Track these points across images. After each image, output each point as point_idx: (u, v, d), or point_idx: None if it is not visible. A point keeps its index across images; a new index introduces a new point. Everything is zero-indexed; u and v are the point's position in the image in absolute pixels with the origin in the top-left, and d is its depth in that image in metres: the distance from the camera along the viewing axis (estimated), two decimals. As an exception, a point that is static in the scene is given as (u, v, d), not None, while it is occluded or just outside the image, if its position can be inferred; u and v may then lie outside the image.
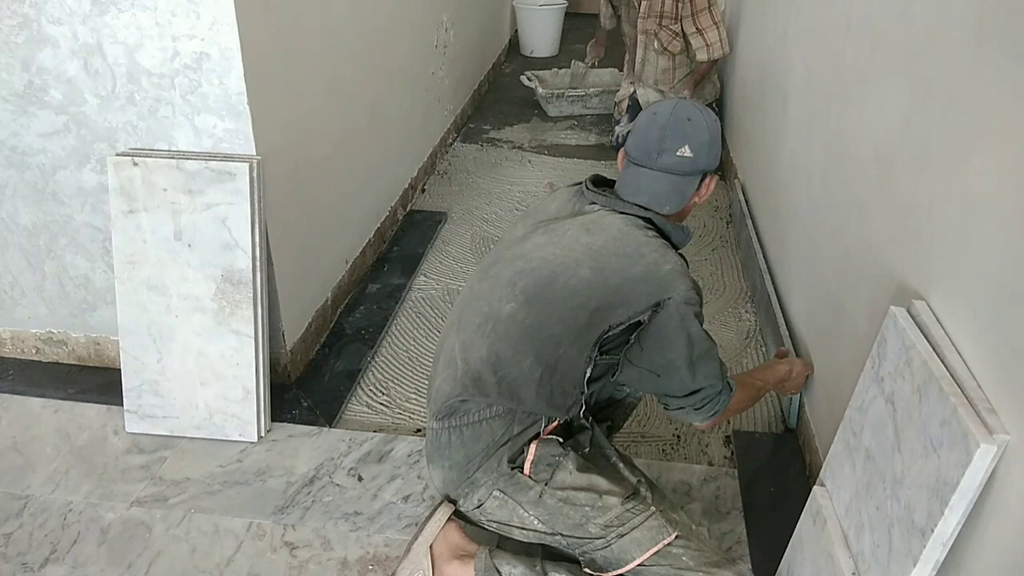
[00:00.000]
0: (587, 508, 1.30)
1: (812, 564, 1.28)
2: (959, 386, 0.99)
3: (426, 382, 2.08)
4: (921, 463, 1.00)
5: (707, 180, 1.47)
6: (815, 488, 1.34)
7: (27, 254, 1.98)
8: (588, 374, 1.34)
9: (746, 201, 2.84)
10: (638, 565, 1.28)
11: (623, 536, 1.28)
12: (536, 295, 1.34)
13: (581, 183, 1.51)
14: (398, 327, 2.30)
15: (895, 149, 1.39)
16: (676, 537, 1.29)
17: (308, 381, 2.05)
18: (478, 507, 1.38)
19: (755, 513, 1.67)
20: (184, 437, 1.84)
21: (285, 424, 1.89)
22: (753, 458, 1.82)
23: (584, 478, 1.33)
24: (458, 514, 1.44)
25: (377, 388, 2.06)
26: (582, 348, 1.31)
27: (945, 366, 1.03)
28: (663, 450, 1.86)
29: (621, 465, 1.41)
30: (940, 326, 1.10)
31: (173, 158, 1.73)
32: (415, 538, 1.43)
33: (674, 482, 1.75)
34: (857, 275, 1.54)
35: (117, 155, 1.74)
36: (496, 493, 1.35)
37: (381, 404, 2.00)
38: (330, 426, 1.90)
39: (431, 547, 1.42)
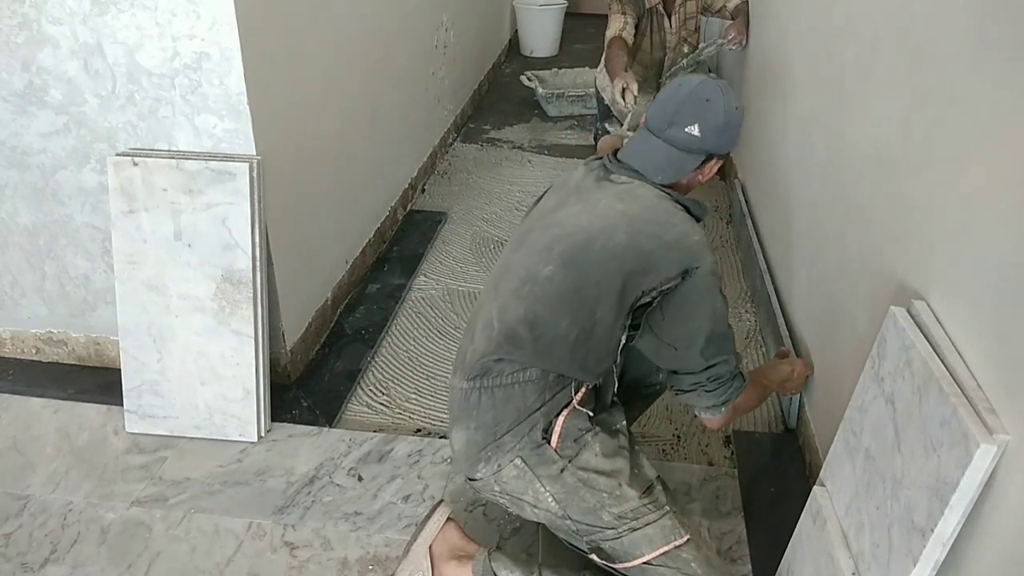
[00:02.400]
0: (605, 495, 1.30)
1: (812, 564, 1.28)
2: (959, 386, 0.99)
3: (426, 382, 2.08)
4: (921, 463, 1.00)
5: (713, 161, 1.48)
6: (815, 488, 1.34)
7: (27, 254, 1.98)
8: (622, 342, 1.35)
9: (746, 201, 2.84)
10: (644, 563, 1.28)
11: (635, 531, 1.28)
12: (574, 258, 1.33)
13: (601, 157, 1.52)
14: (398, 327, 2.30)
15: (895, 149, 1.39)
16: (687, 541, 1.29)
17: (308, 381, 2.05)
18: (496, 473, 1.34)
19: (755, 513, 1.67)
20: (184, 437, 1.84)
21: (285, 424, 1.89)
22: (753, 458, 1.82)
23: (608, 463, 1.32)
24: (457, 513, 1.44)
25: (377, 388, 2.06)
26: (618, 313, 1.31)
27: (945, 366, 1.03)
28: (663, 450, 1.86)
29: (643, 458, 1.41)
30: (940, 326, 1.10)
31: (173, 158, 1.73)
32: (414, 538, 1.43)
33: (674, 482, 1.74)
34: (857, 275, 1.54)
35: (117, 155, 1.74)
36: (517, 461, 1.32)
37: (381, 404, 2.00)
38: (330, 426, 1.90)
39: (430, 547, 1.42)
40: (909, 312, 1.16)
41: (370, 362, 2.14)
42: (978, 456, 0.89)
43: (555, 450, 1.32)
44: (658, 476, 1.40)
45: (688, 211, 1.42)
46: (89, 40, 1.67)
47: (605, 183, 1.44)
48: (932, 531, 0.94)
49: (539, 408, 1.33)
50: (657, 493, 1.35)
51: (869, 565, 1.10)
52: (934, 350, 1.06)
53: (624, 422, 1.45)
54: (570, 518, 1.31)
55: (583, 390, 1.37)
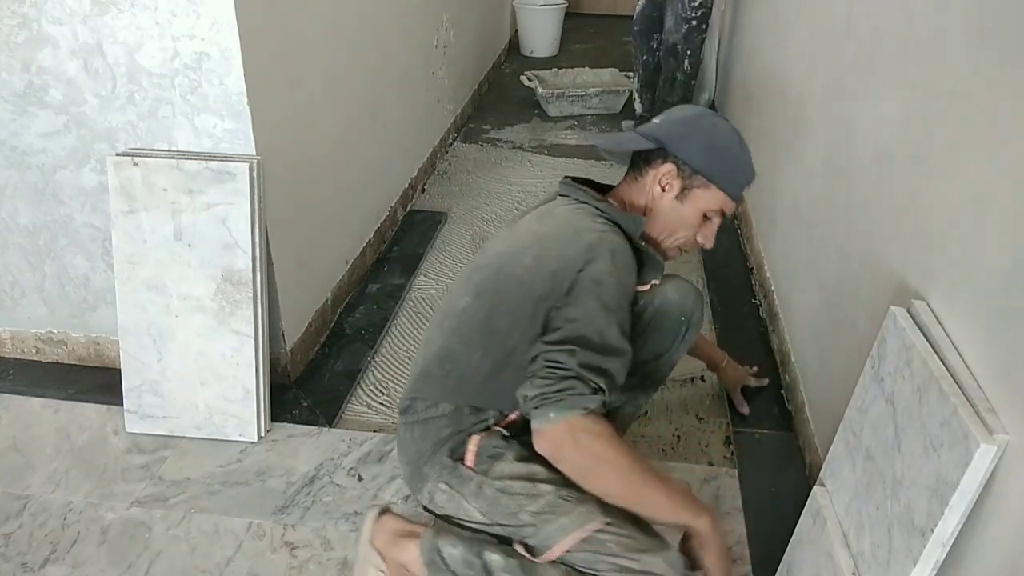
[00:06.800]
0: (521, 496, 1.27)
1: (812, 564, 1.28)
2: (959, 386, 0.99)
3: (426, 382, 2.08)
4: (921, 463, 1.00)
5: (665, 166, 1.36)
6: (815, 488, 1.34)
7: (27, 254, 1.98)
8: None
9: (746, 201, 2.84)
10: (565, 551, 1.23)
11: (550, 523, 1.24)
12: (486, 288, 1.31)
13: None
14: (398, 327, 2.30)
15: (895, 148, 1.39)
16: (606, 524, 1.23)
17: (308, 381, 2.05)
18: (430, 500, 1.36)
19: (755, 513, 1.67)
20: (184, 437, 1.84)
21: (285, 424, 1.89)
22: (753, 458, 1.82)
23: (523, 467, 1.28)
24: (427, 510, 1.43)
25: (377, 388, 2.06)
26: (533, 339, 1.25)
27: (945, 366, 1.03)
28: (663, 450, 1.86)
29: None
30: (940, 326, 1.10)
31: (173, 158, 1.73)
32: (357, 543, 1.44)
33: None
34: (857, 275, 1.54)
35: (117, 155, 1.74)
36: (442, 486, 1.33)
37: (381, 404, 2.00)
38: (330, 426, 1.90)
39: (372, 543, 1.41)
40: (909, 312, 1.16)
41: (370, 362, 2.14)
42: (978, 456, 0.89)
43: (471, 468, 1.31)
44: None
45: (618, 226, 1.32)
46: (89, 40, 1.67)
47: (541, 208, 1.41)
48: (932, 531, 0.94)
49: (453, 436, 1.33)
50: (584, 496, 1.29)
51: (869, 565, 1.10)
52: (934, 350, 1.06)
53: None
54: (498, 524, 1.30)
55: (513, 416, 1.33)
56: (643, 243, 1.35)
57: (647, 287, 1.44)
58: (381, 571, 1.38)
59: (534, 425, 1.18)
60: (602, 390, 1.16)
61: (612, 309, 1.21)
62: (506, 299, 1.29)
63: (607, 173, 1.57)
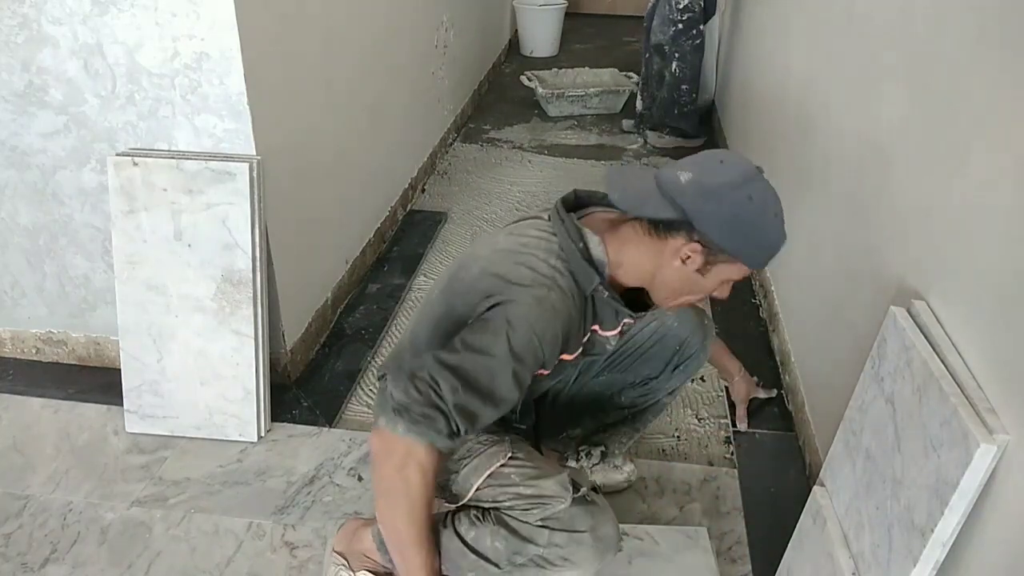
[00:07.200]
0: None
1: (812, 564, 1.28)
2: (959, 386, 0.99)
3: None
4: (921, 463, 1.00)
5: (691, 244, 1.17)
6: (815, 488, 1.34)
7: (27, 254, 1.98)
8: None
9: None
10: (476, 490, 1.25)
11: (467, 465, 1.27)
12: (448, 286, 1.31)
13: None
14: (398, 327, 2.30)
15: (895, 149, 1.39)
16: (509, 458, 1.25)
17: (308, 381, 2.05)
18: None
19: (755, 513, 1.67)
20: (184, 437, 1.84)
21: (285, 424, 1.89)
22: (753, 458, 1.82)
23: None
24: None
25: (377, 388, 2.05)
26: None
27: (945, 366, 1.03)
28: (663, 450, 1.86)
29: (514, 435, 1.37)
30: (940, 326, 1.10)
31: (173, 158, 1.73)
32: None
33: (674, 482, 1.75)
34: (857, 275, 1.54)
35: (117, 155, 1.74)
36: None
37: (381, 404, 2.00)
38: (330, 426, 1.90)
39: (333, 549, 1.46)
40: (909, 312, 1.16)
41: (370, 362, 2.14)
42: (978, 456, 0.89)
43: None
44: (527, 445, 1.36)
45: (573, 277, 1.20)
46: (89, 40, 1.67)
47: (525, 219, 1.34)
48: (932, 531, 0.94)
49: None
50: (498, 438, 1.30)
51: (869, 565, 1.10)
52: (934, 350, 1.06)
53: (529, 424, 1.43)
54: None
55: None
56: (602, 291, 1.23)
57: (616, 331, 1.34)
58: (341, 564, 1.43)
59: (380, 422, 1.15)
60: (458, 433, 1.13)
61: (517, 356, 1.14)
62: (455, 300, 1.27)
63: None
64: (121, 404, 1.85)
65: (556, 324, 1.17)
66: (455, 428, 1.12)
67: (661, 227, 1.20)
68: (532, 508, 1.22)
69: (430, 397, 1.11)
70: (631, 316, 1.29)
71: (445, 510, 1.32)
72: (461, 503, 1.29)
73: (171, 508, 1.66)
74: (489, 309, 1.17)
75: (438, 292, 1.33)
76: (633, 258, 1.24)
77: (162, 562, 1.54)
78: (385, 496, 1.19)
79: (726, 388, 2.01)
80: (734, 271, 1.23)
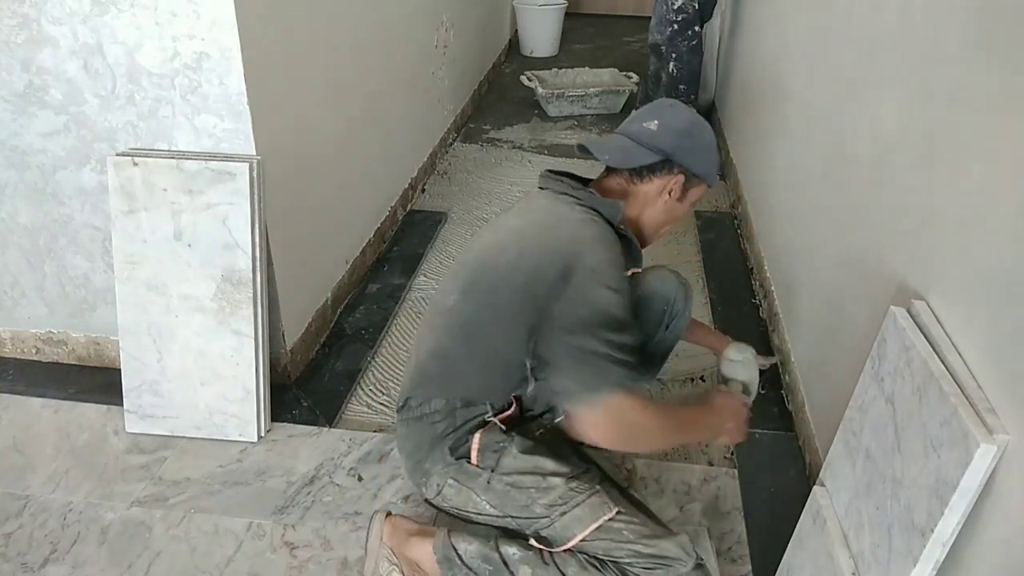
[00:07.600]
0: (532, 490, 1.32)
1: (812, 564, 1.28)
2: (959, 386, 0.99)
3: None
4: (921, 463, 1.00)
5: (676, 175, 1.41)
6: (815, 488, 1.34)
7: (27, 254, 1.98)
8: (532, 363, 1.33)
9: (746, 201, 2.84)
10: (581, 540, 1.29)
11: (566, 514, 1.30)
12: (471, 286, 1.35)
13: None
14: (398, 327, 2.30)
15: (895, 149, 1.39)
16: (617, 513, 1.29)
17: (308, 381, 2.05)
18: (438, 494, 1.39)
19: (755, 513, 1.67)
20: (184, 437, 1.84)
21: (285, 424, 1.89)
22: (753, 458, 1.82)
23: (529, 460, 1.33)
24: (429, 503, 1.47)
25: (377, 388, 2.06)
26: (520, 335, 1.29)
27: (945, 366, 1.03)
28: (663, 450, 1.86)
29: (569, 449, 1.41)
30: (940, 326, 1.10)
31: (173, 158, 1.73)
32: (367, 540, 1.47)
33: (674, 482, 1.75)
34: (857, 275, 1.54)
35: (117, 155, 1.74)
36: (451, 481, 1.36)
37: (381, 404, 2.00)
38: (330, 426, 1.90)
39: (384, 540, 1.45)
40: (909, 312, 1.16)
41: (370, 362, 2.14)
42: (978, 456, 0.89)
43: (476, 465, 1.34)
44: (595, 464, 1.42)
45: (599, 213, 1.36)
46: (89, 40, 1.67)
47: (521, 201, 1.46)
48: (932, 531, 0.94)
49: (450, 433, 1.36)
50: (585, 477, 1.34)
51: (869, 565, 1.10)
52: (934, 350, 1.06)
53: (547, 421, 1.45)
54: (510, 516, 1.34)
55: (510, 411, 1.38)
56: (624, 227, 1.40)
57: (628, 274, 1.46)
58: (394, 564, 1.42)
59: (575, 413, 1.25)
60: (629, 363, 1.24)
61: (617, 290, 1.27)
62: (491, 296, 1.32)
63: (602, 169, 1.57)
64: (121, 404, 1.85)
65: (618, 253, 1.33)
66: (623, 362, 1.23)
67: (644, 171, 1.42)
68: (655, 568, 1.26)
69: (587, 359, 1.22)
70: (637, 264, 1.45)
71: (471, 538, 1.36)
72: (559, 548, 1.30)
73: (171, 508, 1.66)
74: (565, 277, 1.25)
75: (456, 296, 1.34)
76: (625, 201, 1.42)
77: (162, 562, 1.54)
78: (630, 446, 1.43)
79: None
80: (700, 192, 1.47)
